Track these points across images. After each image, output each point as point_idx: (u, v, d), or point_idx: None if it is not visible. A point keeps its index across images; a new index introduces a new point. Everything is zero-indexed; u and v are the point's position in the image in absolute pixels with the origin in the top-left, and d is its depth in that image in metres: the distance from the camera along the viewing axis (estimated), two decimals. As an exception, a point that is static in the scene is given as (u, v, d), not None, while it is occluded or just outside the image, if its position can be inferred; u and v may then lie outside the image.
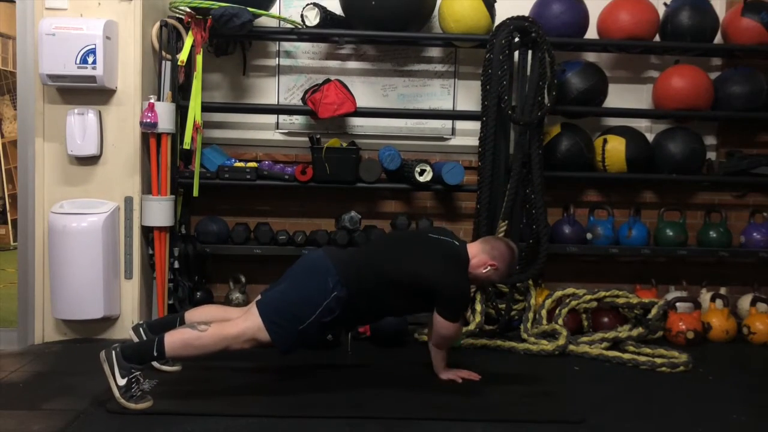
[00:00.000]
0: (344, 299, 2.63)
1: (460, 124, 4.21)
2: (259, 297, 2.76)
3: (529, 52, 3.75)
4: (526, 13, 3.89)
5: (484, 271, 2.82)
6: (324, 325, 2.66)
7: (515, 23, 3.70)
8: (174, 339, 2.55)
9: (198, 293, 3.74)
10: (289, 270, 2.79)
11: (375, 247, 3.08)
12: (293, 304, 2.62)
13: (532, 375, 3.12)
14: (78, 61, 3.31)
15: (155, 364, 2.90)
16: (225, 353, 2.61)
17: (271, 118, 4.16)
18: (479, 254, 2.83)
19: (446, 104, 4.21)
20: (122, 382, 2.51)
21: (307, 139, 3.95)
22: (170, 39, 3.65)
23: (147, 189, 3.58)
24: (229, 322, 2.64)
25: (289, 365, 3.15)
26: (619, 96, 4.19)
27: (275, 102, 4.15)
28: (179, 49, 3.64)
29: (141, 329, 2.88)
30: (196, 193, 3.67)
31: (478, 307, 3.70)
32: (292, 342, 2.63)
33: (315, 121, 4.04)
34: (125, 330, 3.21)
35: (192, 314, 2.88)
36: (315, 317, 2.60)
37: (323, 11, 3.79)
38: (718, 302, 3.89)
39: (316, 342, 2.74)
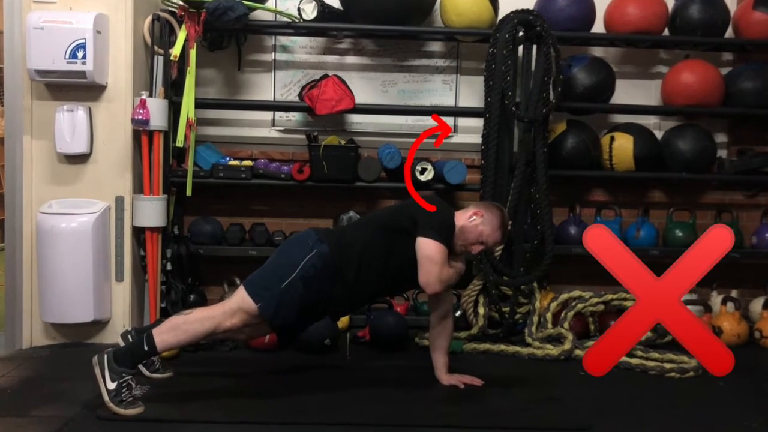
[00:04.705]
0: (326, 255, 2.66)
1: (462, 121, 4.19)
2: None
3: (534, 46, 3.76)
4: (531, 6, 3.87)
5: (470, 220, 2.82)
6: (307, 285, 2.62)
7: (519, 17, 3.69)
8: (161, 328, 2.62)
9: (191, 296, 3.71)
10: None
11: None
12: (275, 266, 2.71)
13: (536, 380, 3.12)
14: (67, 56, 3.31)
15: (146, 372, 2.91)
16: (217, 335, 2.68)
17: (267, 115, 4.15)
18: (464, 210, 2.91)
19: (448, 100, 4.19)
20: (112, 386, 2.50)
21: (304, 136, 3.94)
22: (163, 33, 3.64)
23: (139, 188, 3.58)
24: (215, 304, 2.79)
25: (287, 370, 3.18)
26: (626, 92, 4.16)
27: (271, 98, 4.14)
28: (172, 44, 3.62)
29: (129, 336, 2.87)
30: (189, 192, 3.67)
31: (482, 310, 3.70)
32: (275, 305, 2.60)
33: (312, 118, 4.03)
34: (116, 334, 3.21)
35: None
36: (297, 273, 2.62)
37: (321, 4, 3.78)
38: (729, 305, 3.87)
39: (301, 315, 2.69)
